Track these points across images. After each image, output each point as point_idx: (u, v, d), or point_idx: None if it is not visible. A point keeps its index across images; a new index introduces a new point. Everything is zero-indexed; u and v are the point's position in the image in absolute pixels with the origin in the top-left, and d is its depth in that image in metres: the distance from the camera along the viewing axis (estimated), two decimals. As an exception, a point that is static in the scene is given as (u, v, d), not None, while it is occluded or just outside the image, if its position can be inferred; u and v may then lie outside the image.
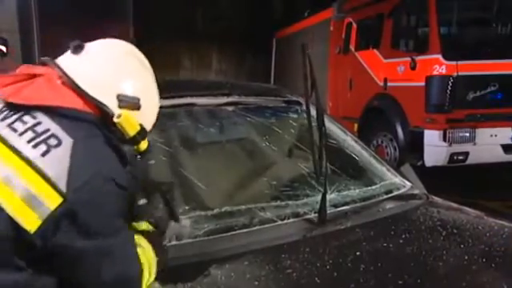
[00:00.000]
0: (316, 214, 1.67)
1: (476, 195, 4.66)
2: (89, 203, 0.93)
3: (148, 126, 1.16)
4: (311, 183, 1.83)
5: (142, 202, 1.25)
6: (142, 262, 1.08)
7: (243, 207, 1.66)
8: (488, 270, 1.43)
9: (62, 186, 0.91)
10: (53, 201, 0.90)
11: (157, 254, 1.15)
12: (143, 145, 1.16)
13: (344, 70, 7.13)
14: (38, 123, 0.98)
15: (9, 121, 0.99)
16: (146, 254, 1.11)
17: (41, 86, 1.03)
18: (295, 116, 2.12)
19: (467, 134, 5.33)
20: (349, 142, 2.27)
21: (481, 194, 4.87)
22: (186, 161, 1.80)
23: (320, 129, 1.68)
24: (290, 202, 1.74)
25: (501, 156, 5.44)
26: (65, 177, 0.92)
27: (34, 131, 0.96)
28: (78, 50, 1.09)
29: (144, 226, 1.20)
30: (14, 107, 1.01)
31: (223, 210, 1.62)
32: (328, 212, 1.68)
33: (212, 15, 11.43)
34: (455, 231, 1.66)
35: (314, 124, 1.71)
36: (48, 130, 0.97)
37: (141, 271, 1.07)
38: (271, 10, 12.13)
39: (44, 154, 0.93)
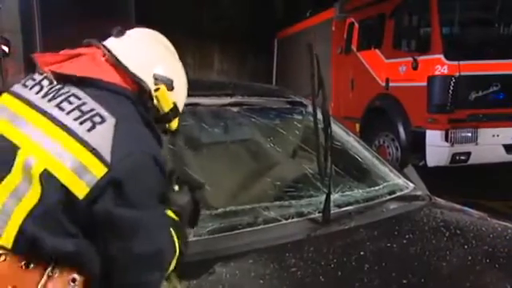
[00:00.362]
0: (320, 214, 1.68)
1: (478, 195, 4.66)
2: (131, 175, 0.99)
3: (180, 106, 1.24)
4: (315, 183, 1.84)
5: (176, 187, 1.28)
6: (175, 240, 1.12)
7: (247, 206, 1.67)
8: (491, 270, 1.44)
9: (107, 157, 0.98)
10: (99, 170, 0.97)
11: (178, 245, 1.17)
12: (175, 123, 1.24)
13: (346, 70, 7.13)
14: (84, 103, 1.05)
15: (57, 101, 1.05)
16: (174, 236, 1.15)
17: (85, 62, 1.12)
18: (300, 117, 2.13)
19: (469, 134, 5.33)
20: (352, 142, 2.27)
21: (483, 194, 4.87)
22: (190, 160, 1.81)
23: (326, 129, 1.68)
24: (294, 202, 1.75)
25: (503, 156, 5.44)
26: (109, 149, 0.99)
27: (80, 110, 1.04)
28: (119, 34, 1.19)
29: (170, 213, 1.21)
30: (59, 87, 1.08)
31: (228, 209, 1.63)
32: (332, 212, 1.69)
33: (214, 15, 11.44)
34: (458, 232, 1.67)
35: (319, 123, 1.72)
36: (93, 110, 1.03)
37: (173, 249, 1.12)
38: (273, 9, 12.13)
39: (90, 130, 1.00)
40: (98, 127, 1.01)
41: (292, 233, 1.59)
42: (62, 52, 1.17)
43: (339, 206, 1.78)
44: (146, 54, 1.19)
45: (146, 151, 1.04)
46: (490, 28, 5.94)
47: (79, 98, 1.06)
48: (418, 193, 2.06)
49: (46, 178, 0.97)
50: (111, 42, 1.18)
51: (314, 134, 1.69)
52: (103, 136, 1.00)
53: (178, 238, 1.16)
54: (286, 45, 9.74)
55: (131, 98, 1.11)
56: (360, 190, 1.94)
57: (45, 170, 0.97)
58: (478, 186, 5.34)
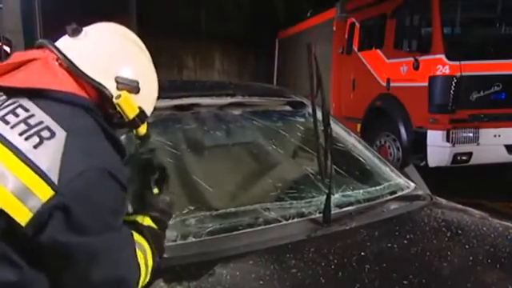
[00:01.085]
0: (321, 214, 1.67)
1: (480, 195, 4.65)
2: (81, 197, 0.90)
3: (148, 110, 1.15)
4: (316, 184, 1.83)
5: (155, 190, 1.23)
6: (139, 263, 1.04)
7: (248, 207, 1.66)
8: (493, 270, 1.43)
9: (54, 179, 0.89)
10: (44, 193, 0.88)
11: (155, 253, 1.13)
12: (142, 129, 1.15)
13: (347, 71, 7.13)
14: (31, 115, 0.95)
15: (1, 113, 0.96)
16: (144, 254, 1.08)
17: (35, 69, 1.02)
18: (302, 120, 2.12)
19: (471, 135, 5.32)
20: (353, 142, 2.27)
21: (484, 194, 4.86)
22: (191, 162, 1.81)
23: (326, 129, 1.68)
24: (294, 202, 1.75)
25: (505, 156, 5.43)
26: (57, 169, 0.89)
27: (27, 123, 0.94)
28: (75, 32, 1.08)
29: (147, 220, 1.17)
30: (7, 97, 0.99)
31: (228, 209, 1.63)
32: (332, 212, 1.68)
33: (215, 16, 11.45)
34: (460, 232, 1.66)
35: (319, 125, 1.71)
36: (41, 123, 0.94)
37: (137, 273, 1.03)
38: (274, 10, 12.14)
39: (36, 146, 0.91)
40: (46, 143, 0.91)
41: (292, 233, 1.58)
42: (12, 58, 1.07)
43: (340, 207, 1.78)
44: (106, 54, 1.08)
45: (100, 166, 0.94)
46: (491, 28, 5.94)
47: (27, 110, 0.96)
48: (419, 192, 2.05)
49: None
50: (65, 43, 1.08)
51: (314, 134, 1.68)
52: (51, 153, 0.90)
53: (154, 248, 1.11)
54: (287, 45, 9.74)
55: (88, 107, 1.02)
56: (361, 190, 1.93)
57: None
58: (479, 187, 5.33)
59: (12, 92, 0.99)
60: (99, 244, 0.93)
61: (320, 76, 1.61)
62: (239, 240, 1.52)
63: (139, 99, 1.10)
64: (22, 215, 0.87)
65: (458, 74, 5.27)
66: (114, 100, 1.04)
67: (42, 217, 0.88)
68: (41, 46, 1.09)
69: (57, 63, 1.04)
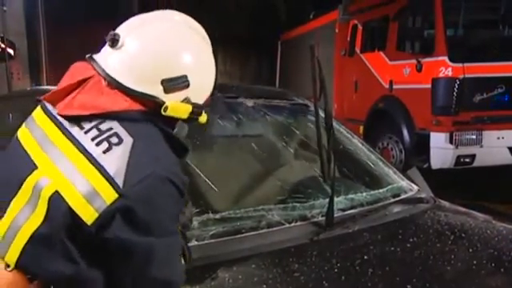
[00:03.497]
0: (323, 218, 1.67)
1: (483, 197, 4.64)
2: (144, 201, 0.95)
3: (202, 99, 1.13)
4: (319, 186, 1.83)
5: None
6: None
7: (251, 210, 1.66)
8: (497, 274, 1.43)
9: (119, 183, 0.94)
10: (109, 196, 0.94)
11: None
12: (202, 119, 1.14)
13: (349, 72, 7.12)
14: (102, 121, 1.02)
15: (75, 121, 1.03)
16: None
17: (89, 92, 1.05)
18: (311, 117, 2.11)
19: (474, 137, 5.31)
20: (355, 145, 2.26)
21: (488, 196, 4.85)
22: (193, 164, 1.80)
23: (328, 132, 1.68)
24: (297, 205, 1.74)
25: (508, 158, 5.42)
26: (123, 174, 0.95)
27: (99, 129, 1.00)
28: (114, 42, 1.07)
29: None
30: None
31: (231, 212, 1.62)
32: (335, 215, 1.68)
33: (217, 17, 11.47)
34: (463, 235, 1.66)
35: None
36: (111, 129, 1.00)
37: (182, 278, 1.07)
38: (276, 12, 12.15)
39: (105, 152, 0.97)
40: (114, 149, 0.98)
41: (295, 237, 1.58)
42: (64, 81, 1.09)
43: (343, 210, 1.77)
44: (145, 60, 1.06)
45: (162, 174, 0.98)
46: (494, 30, 5.93)
47: (98, 117, 1.02)
48: (422, 195, 2.05)
49: (56, 200, 0.94)
50: (106, 57, 1.08)
51: (317, 136, 1.68)
52: (118, 159, 0.97)
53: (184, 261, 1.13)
54: (290, 47, 9.75)
55: (148, 118, 1.05)
56: (364, 193, 1.92)
57: (56, 191, 0.95)
58: (483, 189, 5.32)
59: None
60: (158, 245, 0.97)
61: (323, 78, 1.61)
62: (242, 243, 1.52)
63: (191, 93, 1.09)
64: (89, 215, 0.94)
65: (461, 76, 5.26)
66: (162, 113, 1.04)
67: (107, 217, 0.94)
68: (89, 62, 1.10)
69: (105, 83, 1.05)
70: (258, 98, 2.13)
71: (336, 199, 1.74)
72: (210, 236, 1.50)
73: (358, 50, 7.01)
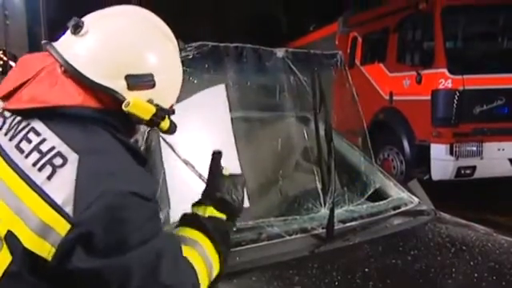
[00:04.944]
0: (324, 230, 1.67)
1: (484, 209, 4.62)
2: (101, 223, 0.85)
3: (167, 103, 1.03)
4: (319, 198, 1.83)
5: (225, 171, 1.13)
6: (193, 267, 0.98)
7: (251, 222, 1.66)
8: (498, 287, 1.42)
9: (69, 211, 0.85)
10: (62, 227, 0.85)
11: (219, 245, 1.05)
12: (165, 124, 1.03)
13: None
14: (43, 140, 0.91)
15: (16, 139, 0.93)
16: (202, 254, 1.02)
17: (43, 82, 0.95)
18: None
19: (474, 148, 5.31)
20: (356, 156, 2.27)
21: (489, 208, 4.83)
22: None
23: (329, 144, 1.68)
24: (297, 218, 1.74)
25: (509, 170, 5.41)
26: (71, 200, 0.85)
27: (39, 151, 0.90)
28: (77, 29, 0.96)
29: (210, 210, 1.09)
30: (19, 119, 0.95)
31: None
32: (336, 227, 1.68)
33: (218, 29, 11.56)
34: (464, 248, 1.65)
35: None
36: (53, 148, 0.89)
37: (190, 277, 0.97)
38: (277, 24, 12.24)
39: (50, 177, 0.87)
40: (59, 172, 0.87)
41: (296, 249, 1.58)
42: (17, 69, 1.01)
43: (343, 222, 1.77)
44: (110, 50, 0.96)
45: (119, 189, 0.87)
46: (493, 42, 5.97)
47: (38, 134, 0.92)
48: (423, 208, 2.04)
49: (10, 239, 0.87)
50: (66, 43, 0.98)
51: (317, 149, 1.68)
52: (65, 183, 0.86)
53: (218, 240, 1.04)
54: (290, 59, 9.77)
55: (100, 119, 0.94)
56: (364, 205, 1.92)
57: (8, 231, 0.87)
58: (483, 200, 5.30)
59: (23, 113, 0.94)
60: (128, 261, 0.87)
61: (323, 92, 1.62)
62: (242, 256, 1.51)
63: (156, 95, 0.98)
64: (46, 251, 0.85)
65: (461, 88, 5.28)
66: (123, 108, 0.94)
67: (65, 249, 0.85)
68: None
69: (60, 71, 0.95)
70: (260, 109, 2.14)
71: (336, 211, 1.74)
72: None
73: (357, 61, 7.05)
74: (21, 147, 0.92)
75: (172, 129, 1.06)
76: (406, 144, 5.82)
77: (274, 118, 2.17)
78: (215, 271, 1.05)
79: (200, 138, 1.60)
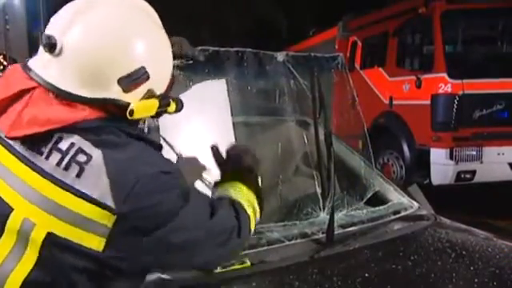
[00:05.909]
0: (324, 235, 1.66)
1: (484, 214, 4.61)
2: (143, 207, 0.88)
3: (165, 87, 1.01)
4: (319, 203, 1.83)
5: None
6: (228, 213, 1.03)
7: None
8: (499, 293, 1.42)
9: (111, 203, 0.87)
10: (107, 219, 0.87)
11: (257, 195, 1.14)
12: (172, 108, 1.03)
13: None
14: (60, 138, 0.90)
15: (29, 145, 0.91)
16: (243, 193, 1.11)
17: (38, 105, 0.90)
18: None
19: (474, 153, 5.31)
20: (355, 161, 2.27)
21: (489, 212, 4.82)
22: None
23: (328, 149, 1.68)
24: (297, 222, 1.74)
25: (508, 174, 5.41)
26: (109, 193, 0.87)
27: (59, 150, 0.89)
28: (51, 48, 0.91)
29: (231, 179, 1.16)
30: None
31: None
32: (336, 232, 1.67)
33: (218, 33, 11.58)
34: (464, 253, 1.65)
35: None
36: (72, 145, 0.89)
37: (229, 221, 1.03)
38: (277, 28, 12.27)
39: (79, 175, 0.88)
40: (87, 169, 0.88)
41: (295, 254, 1.57)
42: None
43: (343, 227, 1.77)
44: (93, 61, 0.90)
45: (152, 172, 0.90)
46: (493, 46, 5.98)
47: (52, 135, 0.90)
48: (423, 212, 2.04)
49: (51, 241, 0.88)
50: (46, 65, 0.92)
51: (316, 154, 1.68)
52: (97, 178, 0.87)
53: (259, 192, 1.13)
54: (290, 63, 9.79)
55: (110, 123, 0.93)
56: (364, 210, 1.92)
57: (48, 233, 0.88)
58: (484, 205, 5.29)
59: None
60: (178, 224, 0.92)
61: (323, 97, 1.62)
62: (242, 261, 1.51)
63: (153, 84, 0.96)
64: (97, 243, 0.88)
65: (461, 92, 5.29)
66: (129, 117, 0.93)
67: (115, 238, 0.88)
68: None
69: (51, 95, 0.91)
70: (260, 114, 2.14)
71: (336, 216, 1.73)
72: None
73: (357, 66, 7.06)
74: (38, 149, 0.90)
75: (179, 107, 1.05)
76: (405, 148, 5.83)
77: (274, 122, 2.17)
78: (258, 213, 1.14)
79: (200, 134, 1.60)
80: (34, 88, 0.92)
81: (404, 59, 6.12)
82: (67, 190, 0.88)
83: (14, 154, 0.92)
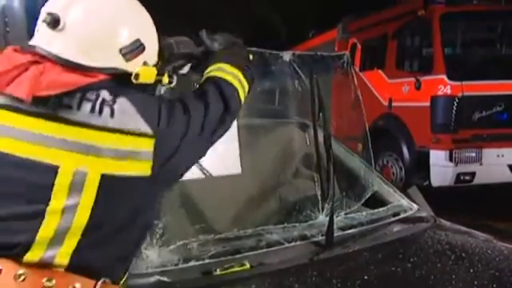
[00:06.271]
0: (323, 237, 1.66)
1: (483, 216, 4.61)
2: (170, 122, 1.02)
3: (155, 58, 1.13)
4: (318, 205, 1.83)
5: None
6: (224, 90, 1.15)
7: (250, 230, 1.65)
8: (498, 295, 1.42)
9: (145, 129, 0.98)
10: (147, 144, 0.99)
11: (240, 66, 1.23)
12: (165, 79, 1.14)
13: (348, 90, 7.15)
14: (84, 94, 0.99)
15: (58, 102, 0.98)
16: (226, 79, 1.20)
17: (53, 72, 0.98)
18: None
19: (473, 154, 5.31)
20: (355, 163, 2.27)
21: (488, 214, 4.82)
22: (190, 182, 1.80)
23: (327, 152, 1.68)
24: (297, 225, 1.74)
25: (508, 176, 5.41)
26: (141, 121, 0.99)
27: (88, 99, 0.99)
28: (55, 24, 1.00)
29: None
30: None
31: (230, 232, 1.62)
32: (335, 235, 1.67)
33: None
34: (464, 255, 1.65)
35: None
36: (98, 95, 0.99)
37: (228, 88, 1.17)
38: (276, 30, 12.27)
39: (112, 115, 0.98)
40: (117, 108, 0.99)
41: (295, 256, 1.57)
42: (6, 58, 1.01)
43: (342, 229, 1.77)
44: (95, 35, 1.01)
45: (163, 101, 1.05)
46: (492, 48, 5.99)
47: (76, 92, 0.99)
48: (423, 214, 2.04)
49: (106, 182, 0.97)
50: (51, 41, 1.00)
51: (316, 156, 1.68)
52: (126, 114, 0.99)
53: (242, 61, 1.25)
54: (289, 65, 9.79)
55: (119, 82, 1.03)
56: (363, 212, 1.92)
57: (102, 175, 0.96)
58: (483, 207, 5.29)
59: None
60: (196, 118, 1.07)
61: (322, 100, 1.62)
62: (242, 263, 1.50)
63: (149, 55, 1.09)
64: (146, 169, 0.99)
65: (460, 94, 5.29)
66: (134, 81, 1.04)
67: (159, 157, 1.00)
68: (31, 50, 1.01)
69: (60, 67, 0.99)
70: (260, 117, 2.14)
71: (336, 218, 1.73)
72: (210, 256, 1.49)
73: (357, 68, 7.06)
74: (67, 103, 0.98)
75: (172, 79, 1.17)
76: (405, 150, 5.82)
77: (275, 124, 2.18)
78: (245, 82, 1.24)
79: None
80: (35, 62, 0.99)
81: (403, 61, 6.12)
82: (106, 131, 0.98)
83: (36, 117, 0.98)
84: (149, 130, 0.99)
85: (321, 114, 1.67)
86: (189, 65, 1.32)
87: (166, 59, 1.22)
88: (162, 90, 1.30)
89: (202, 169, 1.49)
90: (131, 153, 0.98)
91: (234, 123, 1.61)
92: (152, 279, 1.34)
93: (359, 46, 7.07)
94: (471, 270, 1.54)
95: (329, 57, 2.02)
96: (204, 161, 1.42)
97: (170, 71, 1.18)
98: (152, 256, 1.40)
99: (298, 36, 9.77)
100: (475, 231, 1.94)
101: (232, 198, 1.88)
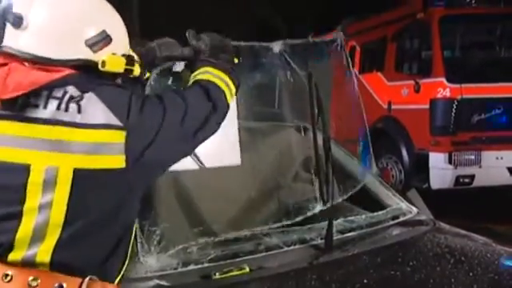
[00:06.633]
0: (322, 240, 1.66)
1: (483, 218, 4.61)
2: (142, 115, 1.02)
3: (125, 49, 1.13)
4: (317, 208, 1.82)
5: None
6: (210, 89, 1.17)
7: (249, 233, 1.65)
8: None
9: (116, 122, 0.99)
10: (118, 137, 0.99)
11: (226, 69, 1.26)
12: (136, 71, 1.13)
13: (347, 93, 7.15)
14: (51, 92, 0.99)
15: (25, 103, 0.98)
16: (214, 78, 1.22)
17: (19, 72, 0.99)
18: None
19: (473, 157, 5.32)
20: (354, 166, 2.26)
21: (488, 217, 4.82)
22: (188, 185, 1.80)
23: (327, 154, 1.68)
24: (296, 228, 1.73)
25: (507, 179, 5.41)
26: (111, 114, 0.99)
27: (55, 97, 0.99)
28: (19, 23, 1.01)
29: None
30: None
31: (229, 236, 1.61)
32: (334, 238, 1.67)
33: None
34: (463, 259, 1.64)
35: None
36: (66, 92, 1.00)
37: (215, 88, 1.18)
38: (276, 32, 12.29)
39: (79, 111, 0.99)
40: (84, 104, 0.99)
41: (294, 260, 1.57)
42: None
43: (342, 232, 1.76)
44: (59, 28, 1.02)
45: (132, 93, 1.05)
46: (491, 51, 6.00)
47: (42, 91, 1.00)
48: (422, 217, 2.04)
49: (80, 175, 0.97)
50: (16, 39, 1.01)
51: (315, 159, 1.68)
52: (95, 108, 0.99)
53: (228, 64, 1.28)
54: (289, 67, 9.80)
55: (86, 76, 1.03)
56: (363, 216, 1.91)
57: (74, 169, 0.97)
58: (482, 209, 5.29)
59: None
60: (171, 116, 1.07)
61: (321, 103, 1.62)
62: (241, 267, 1.50)
63: (115, 46, 1.08)
64: (119, 162, 0.99)
65: (459, 97, 5.30)
66: (101, 69, 1.04)
67: (132, 149, 1.00)
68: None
69: (27, 64, 1.01)
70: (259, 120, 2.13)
71: (335, 222, 1.73)
72: (209, 260, 1.49)
73: (356, 70, 7.06)
74: (33, 103, 0.99)
75: (142, 73, 1.18)
76: (404, 153, 5.83)
77: (273, 127, 2.17)
78: (232, 84, 1.25)
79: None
80: (8, 62, 1.01)
81: (403, 64, 6.13)
82: (74, 127, 0.98)
83: (5, 120, 0.99)
84: (118, 123, 0.99)
85: (319, 118, 1.67)
86: (182, 63, 1.33)
87: (149, 63, 1.25)
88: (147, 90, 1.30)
89: (198, 160, 1.48)
90: (103, 146, 0.98)
91: (234, 113, 1.63)
92: (151, 283, 1.34)
93: (358, 49, 7.07)
94: (470, 274, 1.54)
95: (322, 42, 2.01)
96: (202, 151, 1.40)
97: (157, 71, 1.22)
98: (151, 260, 1.40)
99: (298, 37, 9.77)
100: (474, 234, 1.94)
101: (231, 200, 1.88)
